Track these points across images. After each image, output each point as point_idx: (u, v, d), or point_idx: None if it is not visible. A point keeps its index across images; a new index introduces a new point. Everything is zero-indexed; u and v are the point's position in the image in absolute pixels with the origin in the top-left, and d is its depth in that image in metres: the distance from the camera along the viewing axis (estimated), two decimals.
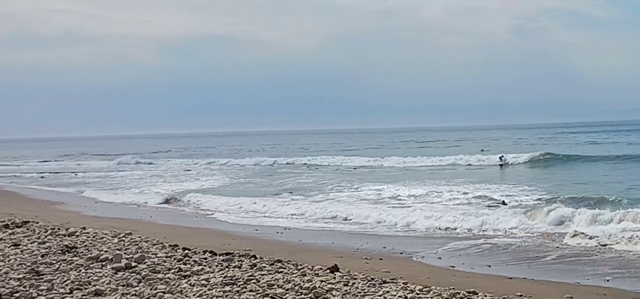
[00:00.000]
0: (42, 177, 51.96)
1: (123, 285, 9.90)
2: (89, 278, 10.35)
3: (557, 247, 17.13)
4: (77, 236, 15.35)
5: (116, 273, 10.73)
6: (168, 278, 10.51)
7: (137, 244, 14.20)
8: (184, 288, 9.85)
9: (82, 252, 12.69)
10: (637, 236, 17.15)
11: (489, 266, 14.96)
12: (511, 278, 13.51)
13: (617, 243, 16.88)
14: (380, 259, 15.73)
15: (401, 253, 16.85)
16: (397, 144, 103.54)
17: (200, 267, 11.62)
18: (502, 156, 51.72)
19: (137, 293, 9.42)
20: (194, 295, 9.34)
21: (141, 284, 10.07)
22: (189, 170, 56.38)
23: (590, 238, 17.43)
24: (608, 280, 13.33)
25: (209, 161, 65.75)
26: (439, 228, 20.49)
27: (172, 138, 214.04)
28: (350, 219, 23.16)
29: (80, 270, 10.96)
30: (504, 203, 25.19)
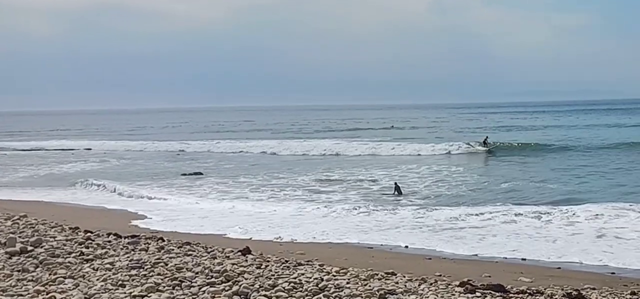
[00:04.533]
0: None
1: (18, 270, 9.53)
2: None
3: (473, 228, 17.64)
4: None
5: (10, 258, 10.31)
6: (69, 262, 10.20)
7: (33, 227, 13.72)
8: (87, 272, 9.59)
9: None
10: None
11: (407, 247, 15.26)
12: (430, 258, 13.84)
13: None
14: (295, 241, 15.83)
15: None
16: (314, 123, 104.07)
17: (104, 250, 11.34)
18: (487, 138, 44.39)
19: (34, 279, 9.09)
20: (97, 279, 9.10)
21: (39, 269, 9.73)
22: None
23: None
24: (524, 259, 13.89)
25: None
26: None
27: (66, 115, 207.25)
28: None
29: None
30: (399, 191, 24.56)
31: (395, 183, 25.32)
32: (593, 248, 14.94)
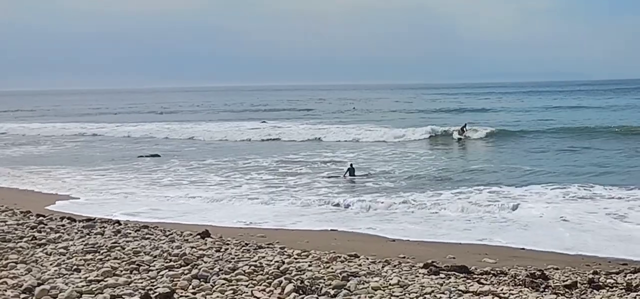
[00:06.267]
0: None
1: None
2: None
3: (436, 213, 17.86)
4: None
5: None
6: (20, 246, 10.11)
7: None
8: (40, 256, 9.51)
9: None
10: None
11: (370, 228, 15.42)
12: (394, 241, 14.00)
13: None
14: (254, 224, 15.91)
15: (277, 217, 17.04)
16: (274, 103, 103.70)
17: (58, 235, 11.26)
18: (465, 126, 42.48)
19: None
20: (51, 264, 9.02)
21: None
22: None
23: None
24: (488, 241, 14.18)
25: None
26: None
27: (14, 96, 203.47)
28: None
29: None
30: (351, 172, 24.69)
31: (351, 165, 25.47)
32: (556, 230, 15.28)
